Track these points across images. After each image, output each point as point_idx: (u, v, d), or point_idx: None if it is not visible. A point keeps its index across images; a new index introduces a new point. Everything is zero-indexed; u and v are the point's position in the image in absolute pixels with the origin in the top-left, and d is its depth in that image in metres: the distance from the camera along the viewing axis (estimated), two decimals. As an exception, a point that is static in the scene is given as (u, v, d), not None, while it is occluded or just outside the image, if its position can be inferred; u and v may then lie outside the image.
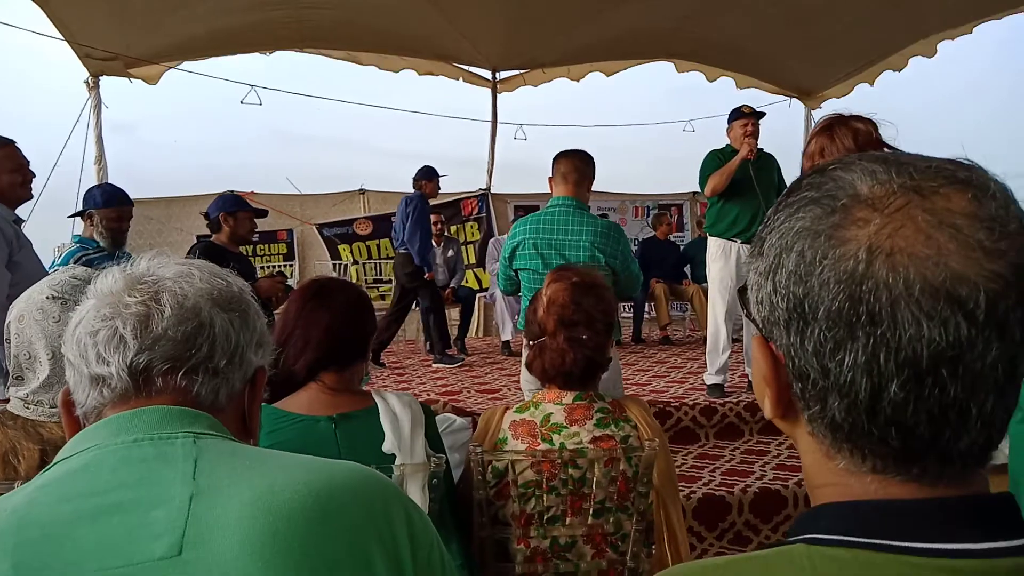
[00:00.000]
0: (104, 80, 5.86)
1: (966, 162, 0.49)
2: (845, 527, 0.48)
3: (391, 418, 1.52)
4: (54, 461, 0.67)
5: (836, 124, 1.85)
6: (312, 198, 7.77)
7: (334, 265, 7.53)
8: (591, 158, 2.90)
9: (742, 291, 0.60)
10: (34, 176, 2.99)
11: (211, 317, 0.72)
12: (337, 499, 0.64)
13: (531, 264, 2.78)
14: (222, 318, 0.73)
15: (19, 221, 2.90)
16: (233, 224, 3.86)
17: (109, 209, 3.35)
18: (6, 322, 1.45)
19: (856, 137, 1.80)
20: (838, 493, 0.51)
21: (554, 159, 2.89)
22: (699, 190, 4.28)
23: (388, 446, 1.47)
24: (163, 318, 0.70)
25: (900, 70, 6.16)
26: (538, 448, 1.57)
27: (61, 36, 5.09)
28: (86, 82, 5.85)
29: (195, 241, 6.91)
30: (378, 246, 7.80)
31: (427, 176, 5.59)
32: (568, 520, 1.55)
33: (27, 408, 1.39)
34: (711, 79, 6.90)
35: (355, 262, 7.61)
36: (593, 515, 1.55)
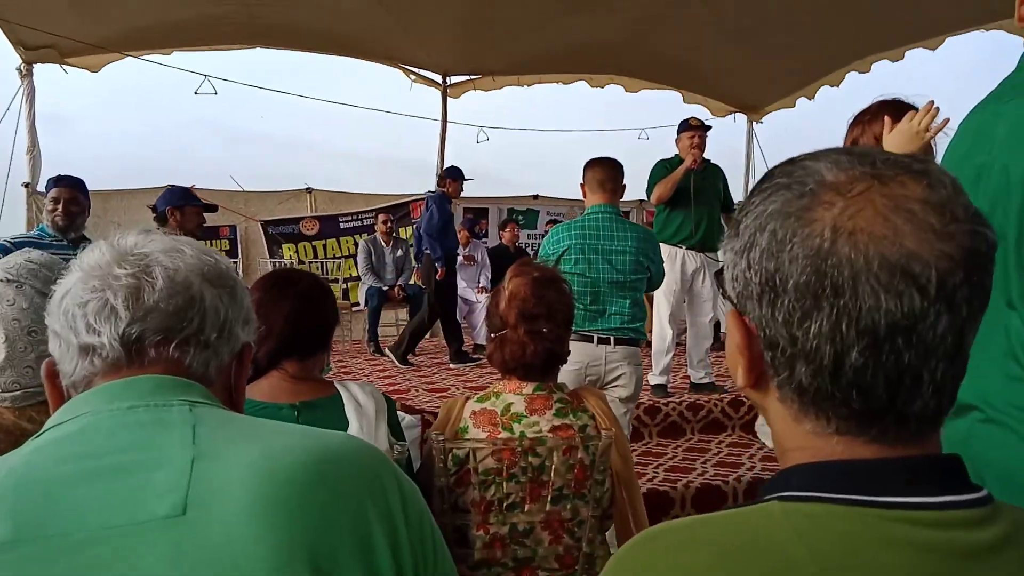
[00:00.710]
0: (38, 68, 5.65)
1: (921, 157, 0.55)
2: (814, 485, 0.52)
3: (354, 406, 1.53)
4: (45, 427, 0.67)
5: (868, 116, 1.96)
6: (257, 195, 7.62)
7: (274, 264, 7.40)
8: (621, 166, 3.05)
9: (719, 273, 0.66)
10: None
11: (201, 291, 0.73)
12: (334, 463, 0.66)
13: (577, 268, 2.86)
14: (212, 293, 0.74)
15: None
16: (180, 218, 3.82)
17: (52, 191, 3.36)
18: None
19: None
20: (807, 456, 0.56)
21: (587, 165, 3.02)
22: (646, 198, 4.43)
23: (352, 433, 1.48)
24: (155, 290, 0.71)
25: (837, 85, 6.45)
26: (499, 437, 1.61)
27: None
28: (18, 69, 5.62)
29: (133, 236, 6.73)
30: (324, 246, 7.71)
31: (452, 176, 5.56)
32: (527, 507, 1.59)
33: None
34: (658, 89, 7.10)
35: (300, 262, 7.49)
36: (551, 502, 1.60)
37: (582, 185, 3.03)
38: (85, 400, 0.68)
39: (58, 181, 3.40)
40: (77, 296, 0.71)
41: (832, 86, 6.49)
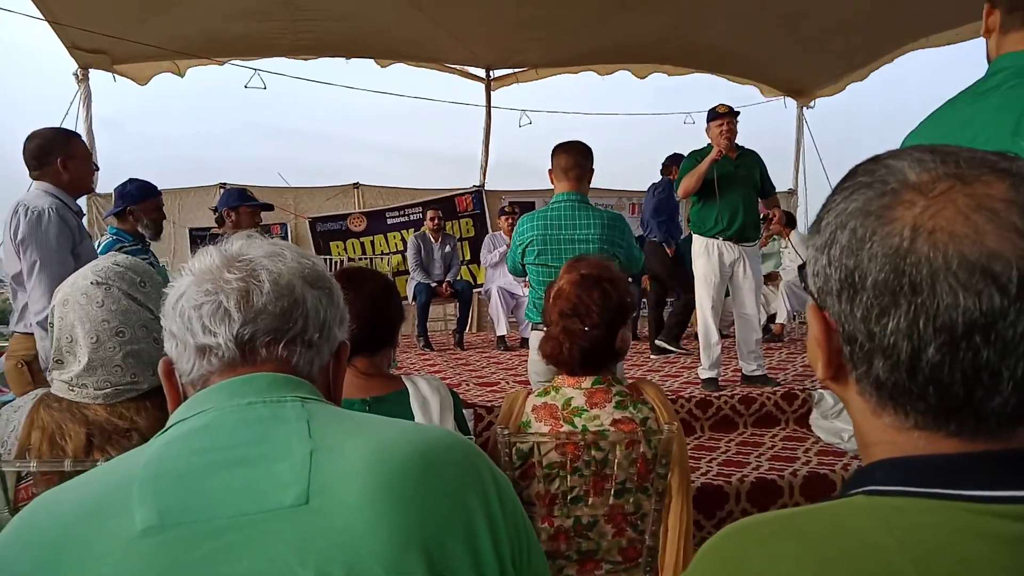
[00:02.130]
0: (92, 73, 5.86)
1: (1010, 155, 0.55)
2: (900, 479, 0.54)
3: (421, 401, 1.58)
4: (170, 422, 0.72)
5: None
6: (305, 191, 7.76)
7: (326, 261, 7.55)
8: (590, 151, 2.97)
9: (802, 267, 0.67)
10: (98, 169, 3.06)
11: (303, 294, 0.78)
12: (438, 456, 0.69)
13: (540, 260, 2.86)
14: (312, 295, 0.79)
15: (81, 213, 2.94)
16: (236, 219, 3.98)
17: (148, 202, 3.50)
18: (50, 306, 1.49)
19: None
20: (888, 450, 0.57)
21: (553, 152, 2.96)
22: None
23: (419, 428, 1.53)
24: (263, 293, 0.75)
25: (889, 63, 6.28)
26: (561, 430, 1.63)
27: (44, 18, 5.04)
28: (75, 74, 5.84)
29: (187, 234, 6.94)
30: (372, 243, 7.82)
31: (676, 162, 5.49)
32: (591, 500, 1.62)
33: (71, 391, 1.43)
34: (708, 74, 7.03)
35: (349, 259, 7.62)
36: (614, 495, 1.62)
37: (550, 172, 2.97)
38: (207, 397, 0.73)
39: (155, 191, 3.57)
40: (192, 299, 0.76)
41: (887, 63, 6.32)
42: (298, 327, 0.77)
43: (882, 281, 0.52)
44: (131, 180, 3.53)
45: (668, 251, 5.66)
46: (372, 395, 1.55)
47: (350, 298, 1.60)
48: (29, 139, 2.84)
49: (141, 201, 3.46)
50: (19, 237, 2.68)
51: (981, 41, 1.46)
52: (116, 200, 3.49)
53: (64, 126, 5.70)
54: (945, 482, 0.52)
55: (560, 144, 2.97)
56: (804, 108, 7.49)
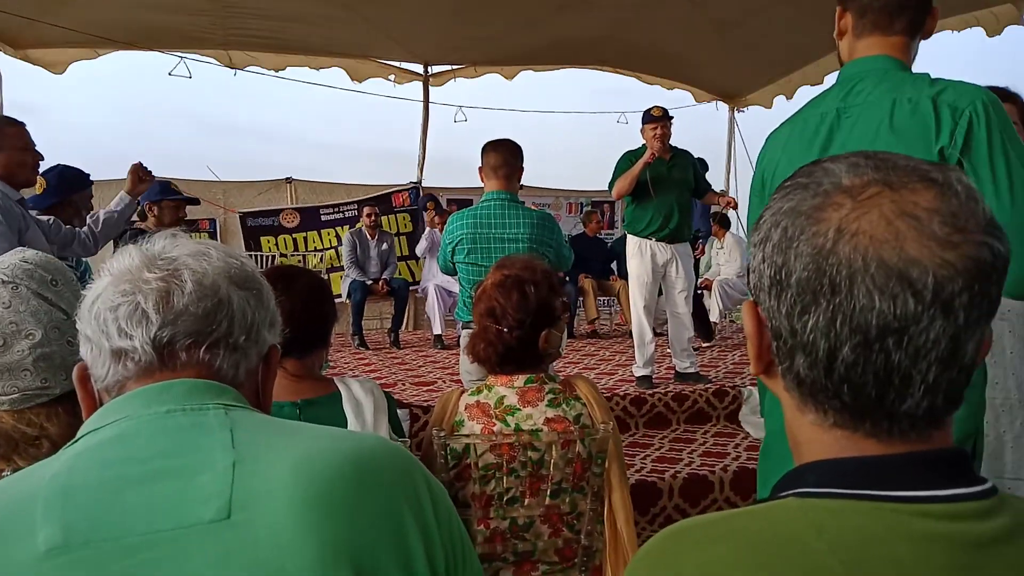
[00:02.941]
0: (4, 59, 5.53)
1: (943, 164, 0.56)
2: (830, 481, 0.55)
3: (353, 404, 1.54)
4: (81, 432, 0.67)
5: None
6: (235, 186, 7.52)
7: (252, 257, 7.32)
8: (520, 149, 2.97)
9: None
10: (42, 158, 2.79)
11: (229, 295, 0.74)
12: (368, 464, 0.67)
13: (470, 258, 2.85)
14: (239, 295, 0.75)
15: (23, 202, 2.73)
16: (158, 213, 3.84)
17: (84, 192, 3.30)
18: None
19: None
20: (816, 450, 0.58)
21: (483, 150, 2.95)
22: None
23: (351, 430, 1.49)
24: (184, 294, 0.71)
25: (816, 84, 6.51)
26: (494, 429, 1.62)
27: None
28: (-21, 58, 5.50)
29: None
30: (305, 239, 7.64)
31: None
32: (526, 501, 1.61)
33: None
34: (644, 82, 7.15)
35: (281, 255, 7.44)
36: (550, 495, 1.62)
37: (480, 170, 2.97)
38: (122, 405, 0.69)
39: (90, 179, 3.34)
40: (108, 300, 0.71)
41: (811, 85, 6.55)
42: (222, 329, 0.73)
43: (804, 279, 0.53)
44: (64, 167, 3.23)
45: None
46: (303, 398, 1.50)
47: (280, 297, 1.55)
48: None
49: (80, 190, 3.21)
50: None
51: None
52: (52, 189, 3.16)
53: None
54: (873, 483, 0.53)
55: (490, 142, 2.96)
56: (736, 111, 7.70)
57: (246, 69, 6.34)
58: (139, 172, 3.12)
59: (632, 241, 4.33)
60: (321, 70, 6.53)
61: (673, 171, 4.26)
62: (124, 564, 0.57)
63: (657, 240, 4.23)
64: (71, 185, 3.17)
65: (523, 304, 1.69)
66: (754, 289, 0.60)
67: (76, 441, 0.66)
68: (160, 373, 0.71)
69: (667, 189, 4.20)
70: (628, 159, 4.27)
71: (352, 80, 6.67)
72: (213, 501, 0.60)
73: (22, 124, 2.73)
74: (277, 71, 6.38)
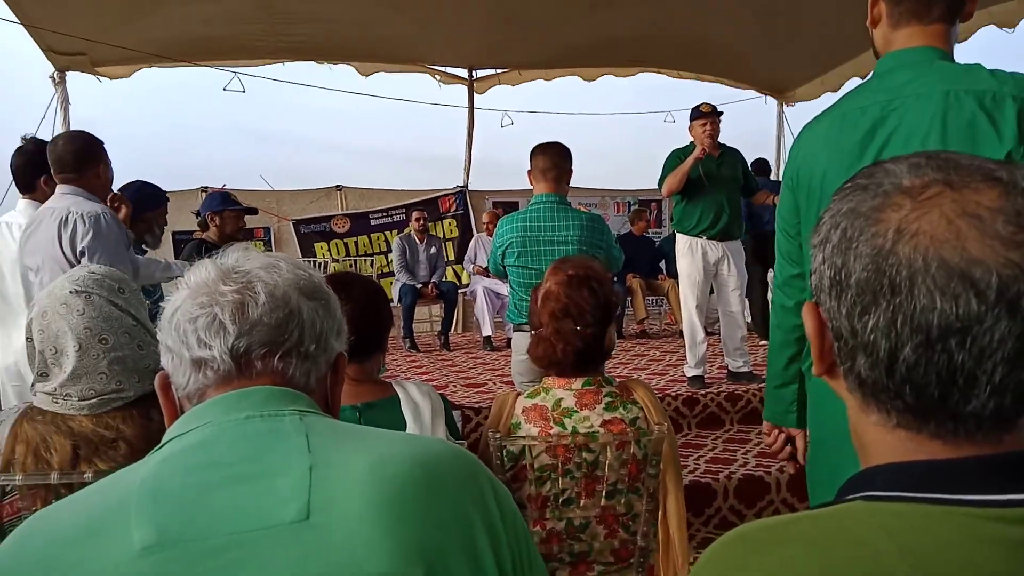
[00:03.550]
0: (70, 76, 5.79)
1: (1011, 163, 0.55)
2: (899, 484, 0.54)
3: (412, 407, 1.57)
4: (166, 438, 0.72)
5: None
6: (288, 194, 7.73)
7: (311, 263, 7.51)
8: (568, 151, 2.97)
9: None
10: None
11: (299, 305, 0.77)
12: (437, 468, 0.69)
13: (520, 261, 2.87)
14: (309, 306, 0.78)
15: None
16: (220, 223, 3.95)
17: (160, 209, 3.34)
18: (28, 320, 1.47)
19: None
20: (882, 451, 0.57)
21: (532, 153, 2.97)
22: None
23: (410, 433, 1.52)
24: (258, 305, 0.75)
25: (864, 76, 6.34)
26: (551, 432, 1.64)
27: (19, 21, 4.96)
28: (52, 77, 5.76)
29: (171, 238, 6.88)
30: (356, 243, 7.79)
31: (761, 169, 5.50)
32: (582, 502, 1.63)
33: (55, 402, 1.41)
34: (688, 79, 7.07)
35: (334, 260, 7.60)
36: (606, 497, 1.63)
37: (528, 173, 2.97)
38: (203, 412, 0.73)
39: (166, 196, 3.40)
40: (187, 312, 0.75)
41: (860, 77, 6.38)
42: (294, 339, 0.77)
43: (864, 280, 0.53)
44: (142, 183, 3.27)
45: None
46: (362, 401, 1.54)
47: (340, 304, 1.60)
48: (65, 142, 2.66)
49: (156, 208, 3.26)
50: (79, 246, 2.48)
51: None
52: (134, 204, 3.10)
53: (42, 129, 5.65)
54: (943, 487, 0.53)
55: (538, 145, 2.97)
56: (784, 106, 7.54)
57: (294, 82, 6.51)
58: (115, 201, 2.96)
59: (682, 240, 4.29)
60: (368, 76, 6.65)
61: (722, 168, 4.21)
62: (213, 563, 0.60)
63: (708, 238, 4.19)
64: (148, 202, 3.21)
65: (595, 300, 1.71)
66: (815, 290, 0.60)
67: (162, 447, 0.70)
68: (238, 381, 0.75)
69: (717, 186, 4.16)
70: (677, 156, 4.24)
71: (397, 73, 6.74)
72: (293, 503, 0.63)
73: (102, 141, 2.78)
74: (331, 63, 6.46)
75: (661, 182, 4.25)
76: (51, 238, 2.51)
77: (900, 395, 0.54)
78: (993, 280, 0.49)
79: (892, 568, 0.49)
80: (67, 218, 2.51)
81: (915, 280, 0.51)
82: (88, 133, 2.72)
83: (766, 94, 7.44)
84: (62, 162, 2.62)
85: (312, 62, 6.40)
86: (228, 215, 3.98)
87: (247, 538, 0.61)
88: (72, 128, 5.87)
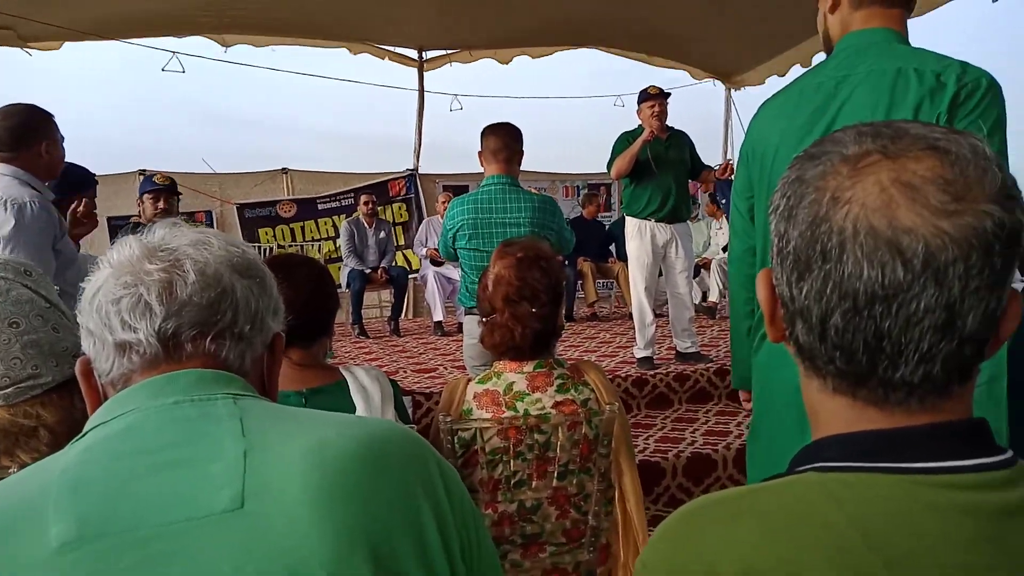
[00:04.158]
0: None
1: (961, 132, 0.54)
2: (848, 454, 0.55)
3: (361, 392, 1.54)
4: (89, 426, 0.67)
5: None
6: (231, 178, 7.50)
7: (255, 249, 7.31)
8: (519, 132, 2.95)
9: None
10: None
11: (232, 283, 0.74)
12: (381, 449, 0.67)
13: (472, 244, 2.84)
14: (242, 284, 0.74)
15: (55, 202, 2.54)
16: (141, 207, 3.93)
17: (89, 191, 3.06)
18: None
19: None
20: (826, 419, 0.58)
21: (482, 133, 2.93)
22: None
23: (359, 418, 1.49)
24: (187, 284, 0.71)
25: (806, 66, 6.48)
26: (502, 416, 1.63)
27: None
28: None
29: (106, 224, 6.62)
30: (303, 229, 7.63)
31: None
32: (534, 483, 1.62)
33: None
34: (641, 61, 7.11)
35: (279, 245, 7.42)
36: (557, 478, 1.63)
37: (479, 154, 2.94)
38: (128, 397, 0.68)
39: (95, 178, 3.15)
40: (110, 293, 0.70)
41: (802, 66, 6.51)
42: (227, 319, 0.73)
43: (801, 247, 0.54)
44: (70, 165, 2.94)
45: None
46: (309, 387, 1.51)
47: (282, 286, 1.55)
48: (3, 115, 2.39)
49: (85, 191, 2.98)
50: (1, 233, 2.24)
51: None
52: (54, 187, 2.81)
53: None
54: (892, 455, 0.53)
55: (489, 126, 2.94)
56: (732, 90, 7.66)
57: (237, 62, 6.31)
58: (77, 214, 2.81)
59: (631, 223, 4.32)
60: (316, 48, 6.46)
61: (670, 151, 4.24)
62: (138, 556, 0.57)
63: (657, 221, 4.22)
64: (74, 185, 2.96)
65: (547, 280, 1.70)
66: (769, 256, 0.61)
67: (84, 435, 0.66)
68: (166, 365, 0.70)
69: (665, 169, 4.18)
70: (625, 139, 4.25)
71: (350, 53, 6.60)
72: (226, 490, 0.60)
73: (52, 115, 2.53)
74: (265, 46, 6.28)
75: (610, 164, 4.26)
76: None
77: (832, 360, 0.55)
78: (920, 248, 0.49)
79: (843, 538, 0.50)
80: None
81: (844, 247, 0.51)
82: (31, 107, 2.47)
83: (715, 79, 7.53)
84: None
85: (254, 44, 6.20)
86: (146, 198, 3.94)
87: (176, 529, 0.58)
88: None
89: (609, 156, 4.29)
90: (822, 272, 0.53)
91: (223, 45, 6.10)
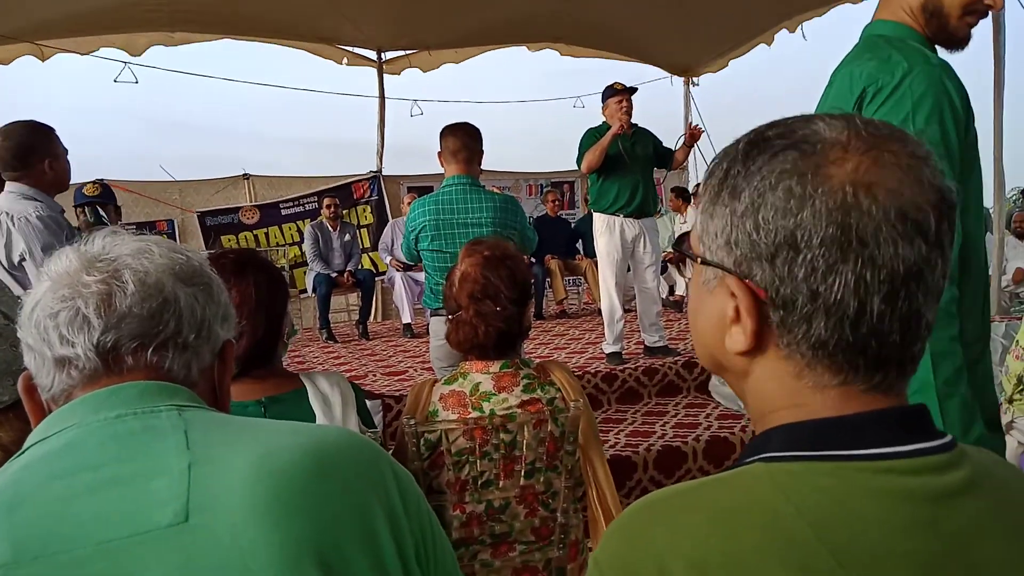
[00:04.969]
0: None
1: (886, 123, 0.57)
2: (794, 444, 0.55)
3: (321, 399, 1.52)
4: (27, 443, 0.65)
5: None
6: (191, 185, 7.37)
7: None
8: (478, 132, 2.94)
9: (679, 241, 0.67)
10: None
11: (175, 292, 0.72)
12: (332, 458, 0.66)
13: (434, 245, 2.82)
14: (186, 292, 0.73)
15: (62, 211, 2.61)
16: (79, 220, 3.87)
17: None
18: None
19: None
20: (791, 415, 0.57)
21: (441, 134, 2.92)
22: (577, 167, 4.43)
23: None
24: (126, 295, 0.69)
25: (770, 44, 6.57)
26: (469, 417, 1.62)
27: None
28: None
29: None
30: (267, 235, 7.52)
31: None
32: (501, 483, 1.61)
33: None
34: (590, 58, 7.15)
35: (243, 251, 7.31)
36: (525, 476, 1.62)
37: (439, 155, 2.93)
38: (69, 412, 0.66)
39: None
40: (47, 307, 0.68)
41: (767, 44, 6.60)
42: (170, 329, 0.71)
43: (830, 237, 0.52)
44: None
45: None
46: (267, 395, 1.48)
47: (234, 292, 1.52)
48: (4, 136, 2.44)
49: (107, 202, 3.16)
50: (15, 256, 2.34)
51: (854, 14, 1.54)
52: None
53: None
54: (836, 443, 0.54)
55: (448, 126, 2.92)
56: (690, 85, 7.72)
57: (192, 72, 6.17)
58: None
59: (600, 219, 4.33)
60: (273, 46, 6.36)
61: (636, 147, 4.27)
62: None
63: (625, 216, 4.24)
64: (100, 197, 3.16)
65: (512, 280, 1.69)
66: (739, 262, 0.56)
67: (23, 453, 0.64)
68: (107, 379, 0.68)
69: (633, 164, 4.21)
70: (593, 135, 4.26)
71: (309, 54, 6.53)
72: (169, 505, 0.58)
73: (55, 129, 2.60)
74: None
75: (580, 159, 4.25)
76: None
77: (864, 348, 0.54)
78: (931, 221, 0.52)
79: (793, 529, 0.50)
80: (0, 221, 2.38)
81: (879, 231, 0.51)
82: (30, 126, 2.52)
83: (672, 74, 7.59)
84: (2, 160, 2.45)
85: (206, 40, 6.07)
86: (78, 211, 3.89)
87: (117, 546, 0.56)
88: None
89: (577, 152, 4.30)
90: (860, 259, 0.51)
91: (171, 45, 5.95)
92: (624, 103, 4.21)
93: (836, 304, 0.53)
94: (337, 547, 0.60)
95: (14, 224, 2.35)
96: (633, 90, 4.29)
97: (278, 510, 0.59)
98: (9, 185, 2.46)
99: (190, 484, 0.60)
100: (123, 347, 0.69)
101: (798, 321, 0.55)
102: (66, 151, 2.60)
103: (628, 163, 4.19)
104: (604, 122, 4.31)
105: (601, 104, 4.36)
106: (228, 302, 0.79)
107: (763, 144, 0.56)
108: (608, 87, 4.31)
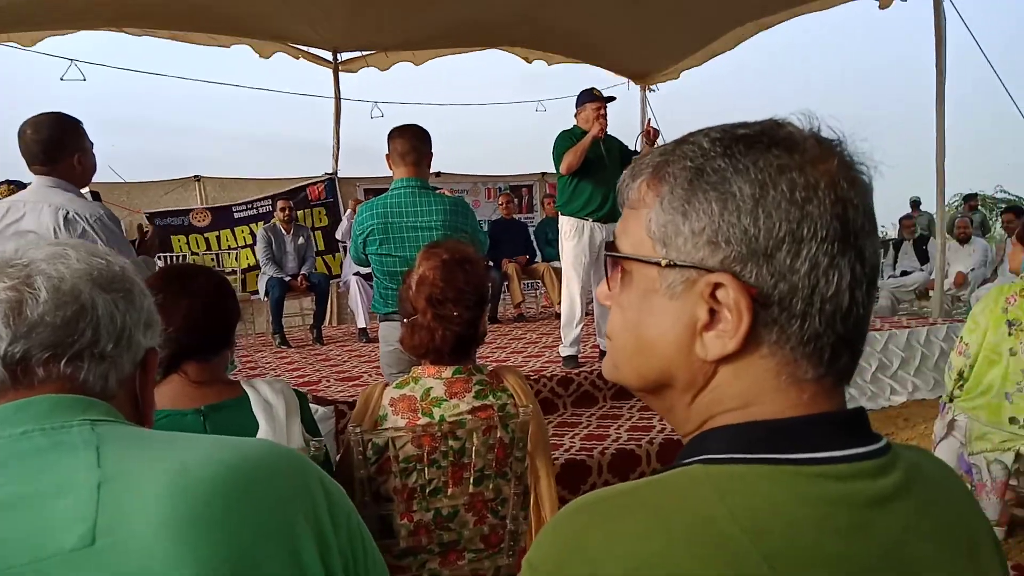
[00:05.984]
0: None
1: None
2: (733, 447, 0.54)
3: (263, 406, 1.48)
4: None
5: None
6: (139, 186, 7.18)
7: (165, 260, 7.01)
8: (427, 133, 2.90)
9: (611, 249, 0.66)
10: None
11: (92, 299, 0.68)
12: (254, 474, 0.63)
13: (383, 249, 2.78)
14: (104, 299, 0.69)
15: None
16: None
17: None
18: None
19: None
20: (734, 417, 0.55)
21: (389, 136, 2.87)
22: (548, 170, 4.44)
23: (263, 435, 1.43)
24: (38, 303, 0.65)
25: (729, 51, 6.68)
26: (419, 423, 1.59)
27: None
28: None
29: None
30: (218, 238, 7.36)
31: None
32: (450, 491, 1.59)
33: None
34: (550, 64, 7.17)
35: (193, 253, 7.14)
36: (474, 483, 1.60)
37: (387, 157, 2.89)
38: None
39: None
40: None
41: (726, 52, 6.71)
42: (86, 338, 0.67)
43: (833, 230, 0.52)
44: None
45: None
46: (207, 403, 1.43)
47: (178, 298, 1.47)
48: (34, 129, 2.34)
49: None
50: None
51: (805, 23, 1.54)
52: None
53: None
54: (773, 447, 0.53)
55: (396, 128, 2.87)
56: (647, 91, 7.81)
57: (141, 70, 6.01)
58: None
59: (568, 222, 4.32)
60: (228, 47, 6.23)
61: (610, 152, 4.29)
62: None
63: (595, 220, 4.25)
64: None
65: (471, 283, 1.67)
66: (728, 260, 0.53)
67: None
68: (14, 392, 0.64)
69: (604, 169, 4.22)
70: (568, 137, 4.26)
71: (259, 56, 6.42)
72: (76, 527, 0.55)
73: (82, 122, 2.49)
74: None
75: (558, 160, 4.23)
76: (48, 235, 2.23)
77: (850, 340, 0.55)
78: (869, 211, 0.56)
79: (727, 532, 0.49)
80: (68, 216, 2.27)
81: (865, 225, 0.54)
82: (59, 118, 2.41)
83: (629, 79, 7.67)
84: (31, 153, 2.35)
85: (155, 36, 5.91)
86: None
87: (18, 572, 0.53)
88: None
89: (553, 154, 4.28)
90: (853, 251, 0.53)
91: (121, 32, 5.76)
92: (602, 109, 4.24)
93: (832, 297, 0.53)
94: (255, 565, 0.58)
95: (92, 226, 2.27)
96: (612, 99, 4.33)
97: (193, 528, 0.56)
98: (45, 180, 2.36)
99: (99, 504, 0.56)
100: (33, 358, 0.65)
101: (794, 316, 0.53)
102: (92, 144, 2.52)
103: (608, 166, 4.20)
104: (575, 126, 4.32)
105: (575, 108, 4.37)
106: (152, 308, 0.76)
107: (745, 140, 0.55)
108: (586, 91, 4.33)
